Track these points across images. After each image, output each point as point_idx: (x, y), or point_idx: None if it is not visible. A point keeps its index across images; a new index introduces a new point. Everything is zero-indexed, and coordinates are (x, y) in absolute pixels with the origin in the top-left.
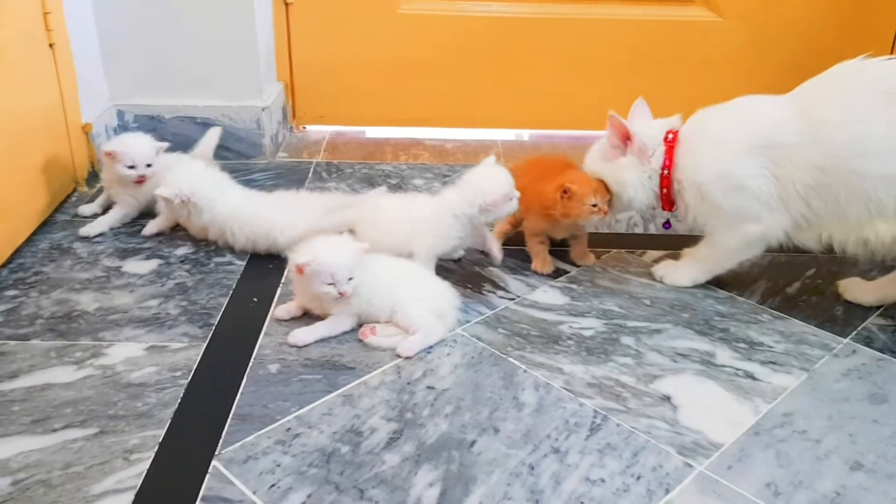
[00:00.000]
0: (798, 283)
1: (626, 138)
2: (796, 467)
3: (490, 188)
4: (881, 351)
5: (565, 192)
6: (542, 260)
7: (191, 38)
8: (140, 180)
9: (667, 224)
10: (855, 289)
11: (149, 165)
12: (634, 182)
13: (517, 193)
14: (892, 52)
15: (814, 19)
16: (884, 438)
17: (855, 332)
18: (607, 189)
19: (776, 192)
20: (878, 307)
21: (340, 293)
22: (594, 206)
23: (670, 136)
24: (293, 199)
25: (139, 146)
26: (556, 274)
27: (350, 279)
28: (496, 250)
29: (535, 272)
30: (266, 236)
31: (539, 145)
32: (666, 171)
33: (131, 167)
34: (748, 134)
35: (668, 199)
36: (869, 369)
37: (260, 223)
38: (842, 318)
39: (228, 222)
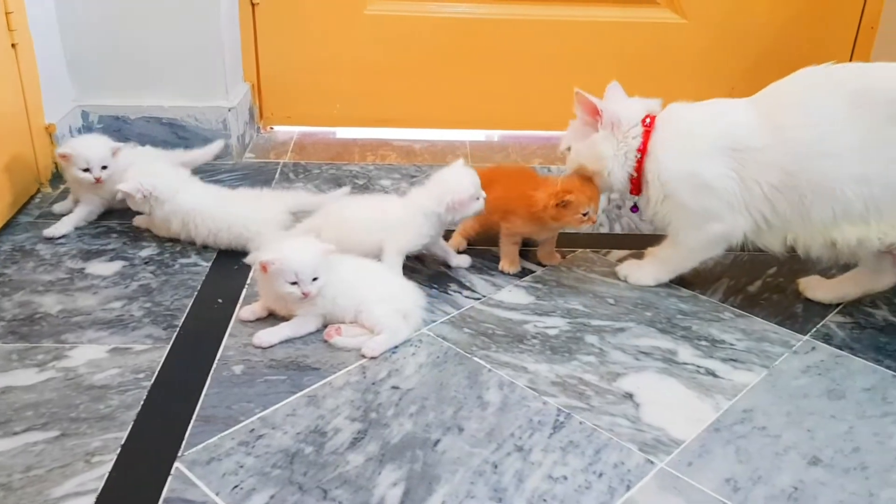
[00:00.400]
0: (759, 281)
1: (595, 113)
2: (755, 463)
3: (457, 187)
4: (839, 348)
5: (564, 202)
6: (510, 260)
7: (155, 38)
8: (97, 181)
9: (634, 208)
10: (815, 287)
11: (104, 167)
12: (610, 155)
13: (484, 194)
14: (851, 56)
15: (775, 22)
16: (841, 434)
17: (814, 330)
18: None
19: (741, 194)
20: (838, 305)
21: (304, 293)
22: (585, 214)
23: (648, 120)
24: (256, 195)
25: (93, 148)
26: (522, 274)
27: (314, 279)
28: (455, 260)
29: (503, 272)
30: (228, 229)
31: (507, 146)
32: (639, 156)
33: (86, 170)
34: (718, 136)
35: (637, 183)
36: (827, 366)
37: (223, 215)
38: (802, 315)
39: (190, 214)
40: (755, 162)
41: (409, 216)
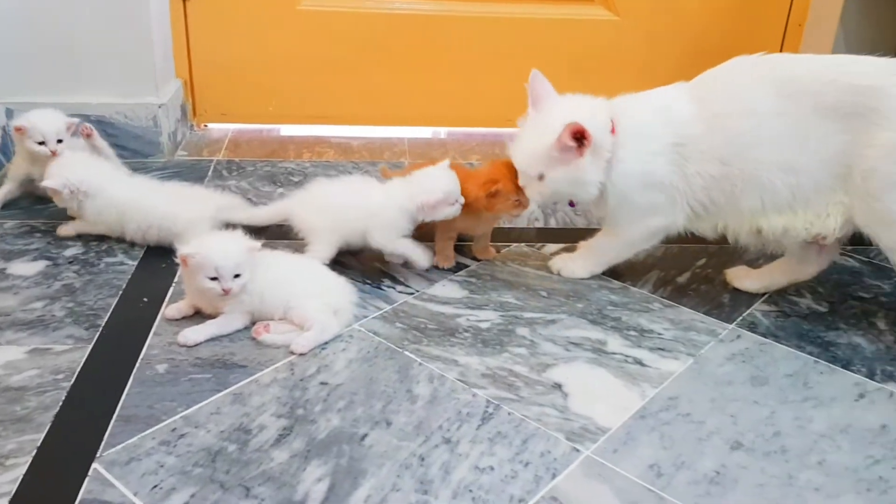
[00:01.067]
0: (689, 272)
1: (581, 138)
2: (679, 448)
3: (431, 189)
4: (764, 336)
5: (494, 192)
6: (445, 255)
7: (83, 34)
8: (52, 154)
9: (571, 203)
10: (741, 277)
11: (60, 141)
12: (597, 181)
13: (461, 199)
14: (781, 50)
15: (706, 18)
16: (763, 419)
17: (740, 319)
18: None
19: (684, 188)
20: (764, 294)
21: (224, 290)
22: (517, 200)
23: (611, 125)
24: (187, 190)
25: (48, 121)
26: (457, 268)
27: (236, 276)
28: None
29: (437, 267)
30: (159, 225)
31: (446, 143)
32: None
33: (41, 143)
34: (668, 133)
35: None
36: (752, 353)
37: (151, 210)
38: (728, 305)
39: (120, 208)
40: (696, 153)
41: (387, 208)
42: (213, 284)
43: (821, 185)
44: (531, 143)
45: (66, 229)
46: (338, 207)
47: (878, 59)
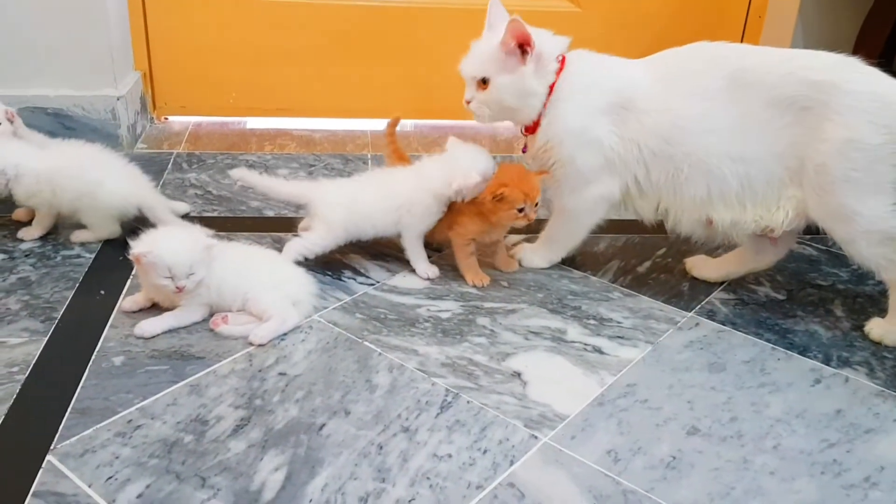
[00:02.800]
0: (649, 262)
1: (526, 44)
2: (636, 434)
3: (471, 171)
4: (722, 323)
5: (499, 196)
6: (474, 272)
7: (39, 24)
8: None
9: (525, 149)
10: (701, 266)
11: None
12: (538, 92)
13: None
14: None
15: (666, 11)
16: (720, 404)
17: (699, 307)
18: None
19: (622, 154)
20: (722, 283)
21: (178, 287)
22: (521, 210)
23: (561, 57)
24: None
25: None
26: None
27: (191, 275)
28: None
29: (475, 286)
30: (91, 194)
31: (409, 135)
32: (548, 93)
33: None
34: (613, 93)
35: (537, 123)
36: (710, 340)
37: (83, 180)
38: (687, 293)
39: (52, 181)
40: (639, 123)
41: (420, 196)
42: (167, 282)
43: (772, 177)
44: (478, 48)
45: (29, 232)
46: (368, 203)
47: (834, 55)
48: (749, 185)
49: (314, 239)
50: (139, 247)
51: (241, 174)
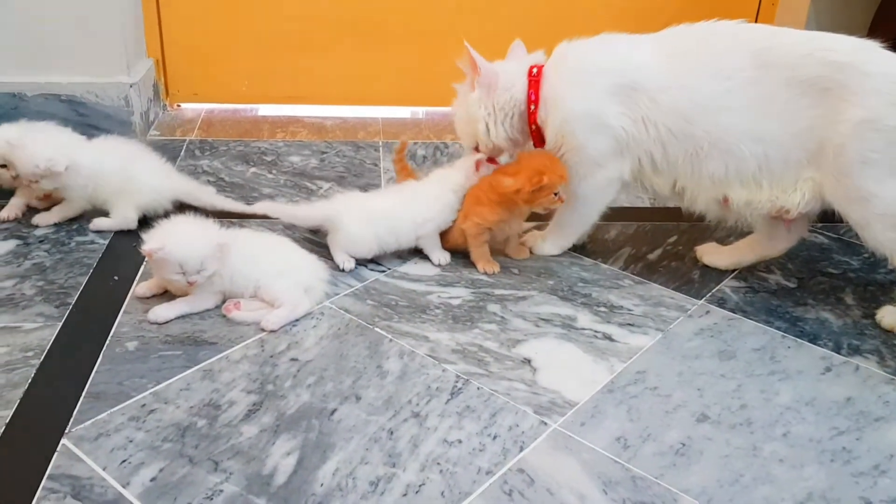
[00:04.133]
0: (659, 250)
1: (475, 70)
2: (646, 421)
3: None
4: (732, 311)
5: (540, 186)
6: (486, 260)
7: (52, 12)
8: None
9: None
10: (711, 254)
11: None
12: (483, 117)
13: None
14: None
15: None
16: (729, 392)
17: (709, 294)
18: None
19: (635, 136)
20: (733, 270)
21: (189, 283)
22: (556, 193)
23: (534, 70)
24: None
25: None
26: None
27: (202, 270)
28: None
29: (486, 273)
30: (130, 190)
31: (420, 123)
32: (533, 108)
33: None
34: (617, 74)
35: (538, 135)
36: (720, 328)
37: (124, 177)
38: (698, 281)
39: (96, 176)
40: (652, 102)
41: (440, 194)
42: (179, 277)
43: (790, 158)
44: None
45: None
46: (395, 219)
47: (854, 38)
48: (767, 165)
49: (345, 257)
50: (151, 243)
51: (264, 207)
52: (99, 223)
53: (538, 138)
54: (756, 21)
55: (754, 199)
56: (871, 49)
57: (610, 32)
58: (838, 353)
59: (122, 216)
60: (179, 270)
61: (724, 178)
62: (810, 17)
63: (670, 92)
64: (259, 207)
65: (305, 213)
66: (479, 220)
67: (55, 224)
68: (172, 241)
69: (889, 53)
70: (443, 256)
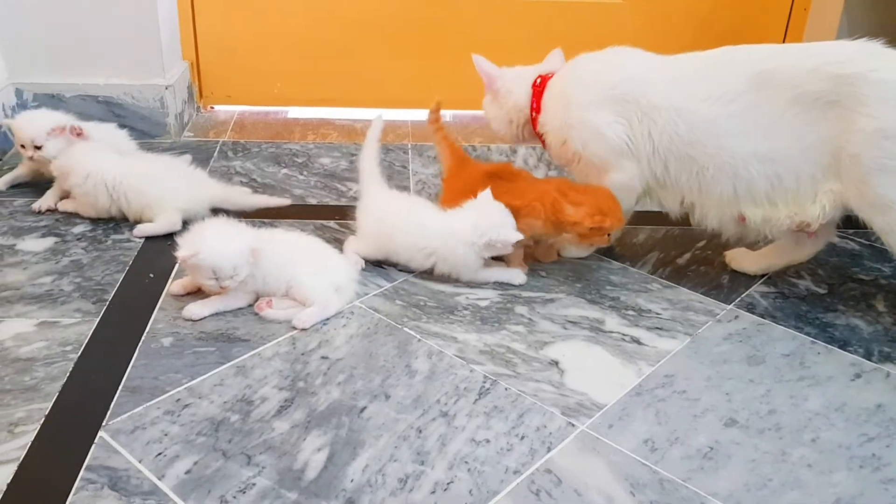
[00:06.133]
0: (688, 254)
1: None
2: (673, 425)
3: (510, 224)
4: (762, 316)
5: (599, 228)
6: (518, 262)
7: (91, 15)
8: (30, 160)
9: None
10: (740, 259)
11: (38, 147)
12: (494, 118)
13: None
14: (784, 36)
15: (708, 2)
16: (758, 396)
17: (738, 299)
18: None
19: (633, 144)
20: (763, 276)
21: (222, 287)
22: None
23: (538, 80)
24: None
25: (28, 127)
26: None
27: (234, 276)
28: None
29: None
30: (157, 206)
31: (448, 125)
32: (535, 115)
33: (23, 146)
34: (611, 86)
35: (545, 141)
36: (749, 333)
37: (150, 195)
38: (727, 286)
39: (120, 190)
40: (649, 119)
41: (452, 246)
42: (212, 282)
43: (802, 174)
44: None
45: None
46: (395, 232)
47: (855, 44)
48: (779, 184)
49: (355, 247)
50: (184, 249)
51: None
52: (143, 229)
53: (546, 144)
54: (787, 28)
55: (770, 216)
56: (877, 55)
57: (623, 47)
58: (869, 359)
59: (167, 220)
60: (212, 276)
61: (734, 198)
62: (842, 23)
63: (667, 112)
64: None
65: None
66: (525, 230)
67: (92, 222)
68: (205, 248)
69: (894, 56)
70: (517, 275)
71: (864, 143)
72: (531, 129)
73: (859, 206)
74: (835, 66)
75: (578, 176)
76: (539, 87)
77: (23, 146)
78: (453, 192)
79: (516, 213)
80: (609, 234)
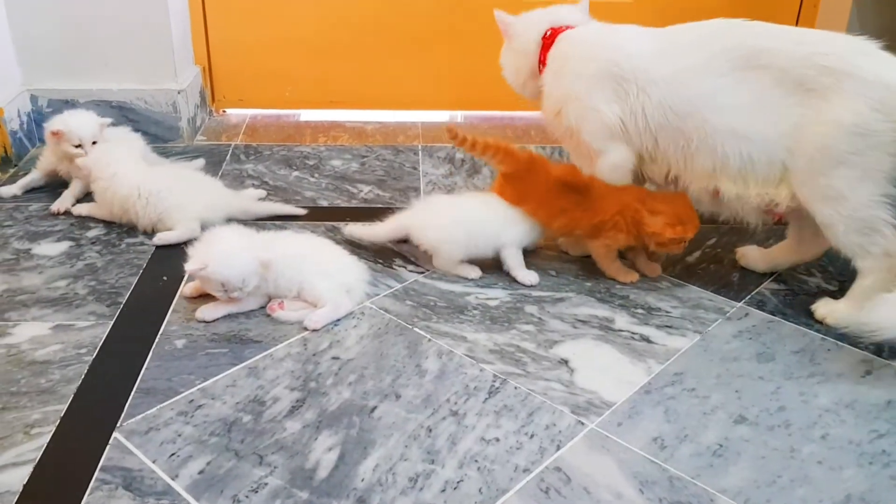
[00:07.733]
0: (698, 252)
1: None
2: (683, 422)
3: None
4: (772, 313)
5: (678, 239)
6: (624, 272)
7: (103, 21)
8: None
9: None
10: (750, 256)
11: (94, 143)
12: (505, 65)
13: None
14: None
15: (720, 1)
16: (768, 394)
17: (749, 297)
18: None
19: (626, 123)
20: (773, 273)
21: (231, 298)
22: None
23: (548, 33)
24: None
25: (84, 125)
26: None
27: (242, 288)
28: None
29: (630, 283)
30: (170, 217)
31: (461, 127)
32: (542, 67)
33: (78, 146)
34: (603, 60)
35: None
36: (759, 330)
37: (163, 206)
38: (737, 283)
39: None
40: (644, 93)
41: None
42: (221, 293)
43: (775, 157)
44: None
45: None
46: (471, 222)
47: (849, 39)
48: (750, 163)
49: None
50: (193, 262)
51: (350, 230)
52: (164, 237)
53: (542, 106)
54: (797, 22)
55: (742, 193)
56: (866, 52)
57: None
58: (879, 356)
59: (187, 228)
60: (221, 288)
61: (713, 172)
62: (852, 19)
63: (661, 85)
64: (347, 231)
65: (387, 229)
66: (611, 244)
67: (106, 226)
68: (213, 261)
69: (884, 57)
70: (530, 276)
71: (835, 136)
72: (535, 85)
73: (805, 195)
74: (823, 57)
75: (572, 154)
76: (549, 40)
77: (78, 146)
78: (518, 195)
79: (599, 229)
80: (685, 242)
